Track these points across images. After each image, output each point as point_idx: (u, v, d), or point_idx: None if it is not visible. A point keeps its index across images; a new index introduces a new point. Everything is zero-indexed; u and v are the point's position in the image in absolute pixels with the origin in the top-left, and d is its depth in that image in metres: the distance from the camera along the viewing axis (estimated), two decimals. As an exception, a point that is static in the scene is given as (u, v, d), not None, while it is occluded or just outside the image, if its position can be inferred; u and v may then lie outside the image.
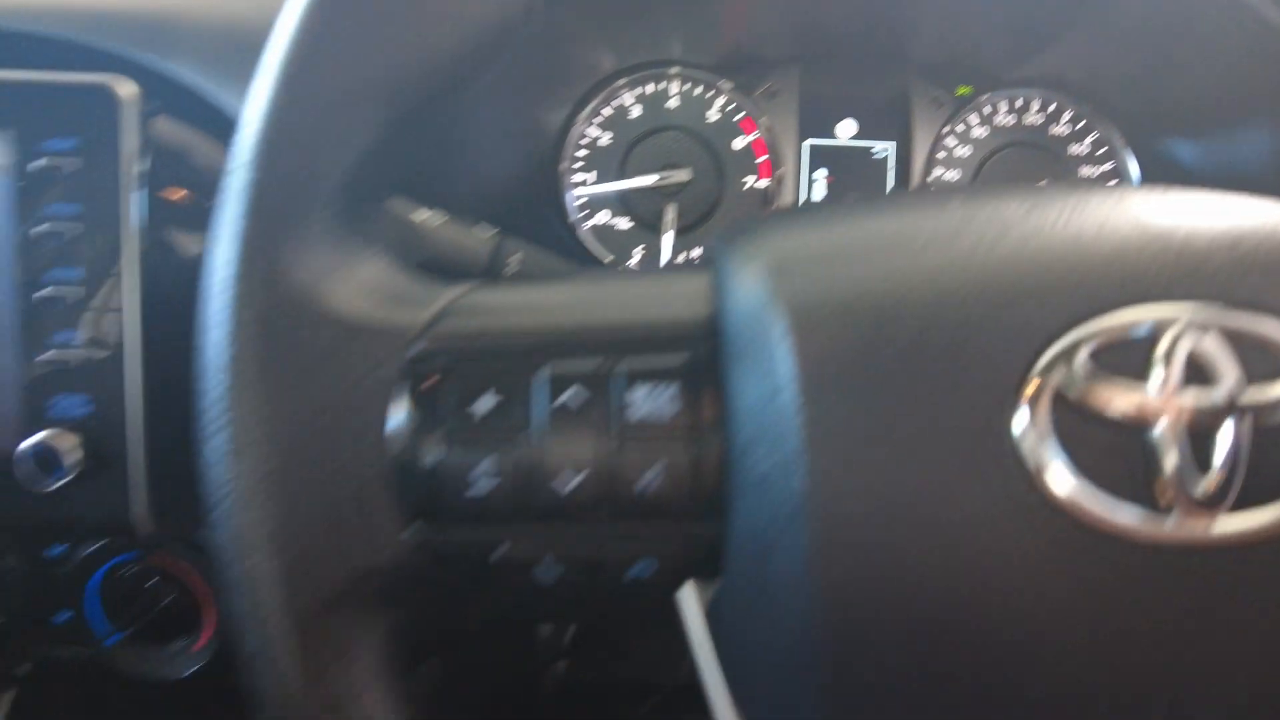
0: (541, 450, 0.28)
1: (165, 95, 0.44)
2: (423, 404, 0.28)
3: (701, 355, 0.29)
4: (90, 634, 0.58)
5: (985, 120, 0.65)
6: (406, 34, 0.28)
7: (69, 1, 0.46)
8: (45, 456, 0.42)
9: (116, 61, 0.44)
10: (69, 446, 0.42)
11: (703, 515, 0.28)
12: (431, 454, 0.28)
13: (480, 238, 0.41)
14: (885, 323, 0.25)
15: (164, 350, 0.44)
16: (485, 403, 0.29)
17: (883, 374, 0.25)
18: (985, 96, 0.65)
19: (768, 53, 0.67)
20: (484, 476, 0.29)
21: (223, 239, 0.27)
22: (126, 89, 0.42)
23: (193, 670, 0.57)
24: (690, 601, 0.30)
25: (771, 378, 0.25)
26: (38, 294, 0.43)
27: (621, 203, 0.67)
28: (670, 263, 0.67)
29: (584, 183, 0.67)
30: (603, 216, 0.68)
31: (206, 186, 0.43)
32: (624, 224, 0.67)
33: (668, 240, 0.65)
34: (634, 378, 0.29)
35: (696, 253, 0.67)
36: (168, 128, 0.43)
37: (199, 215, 0.43)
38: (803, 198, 0.68)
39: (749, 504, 0.26)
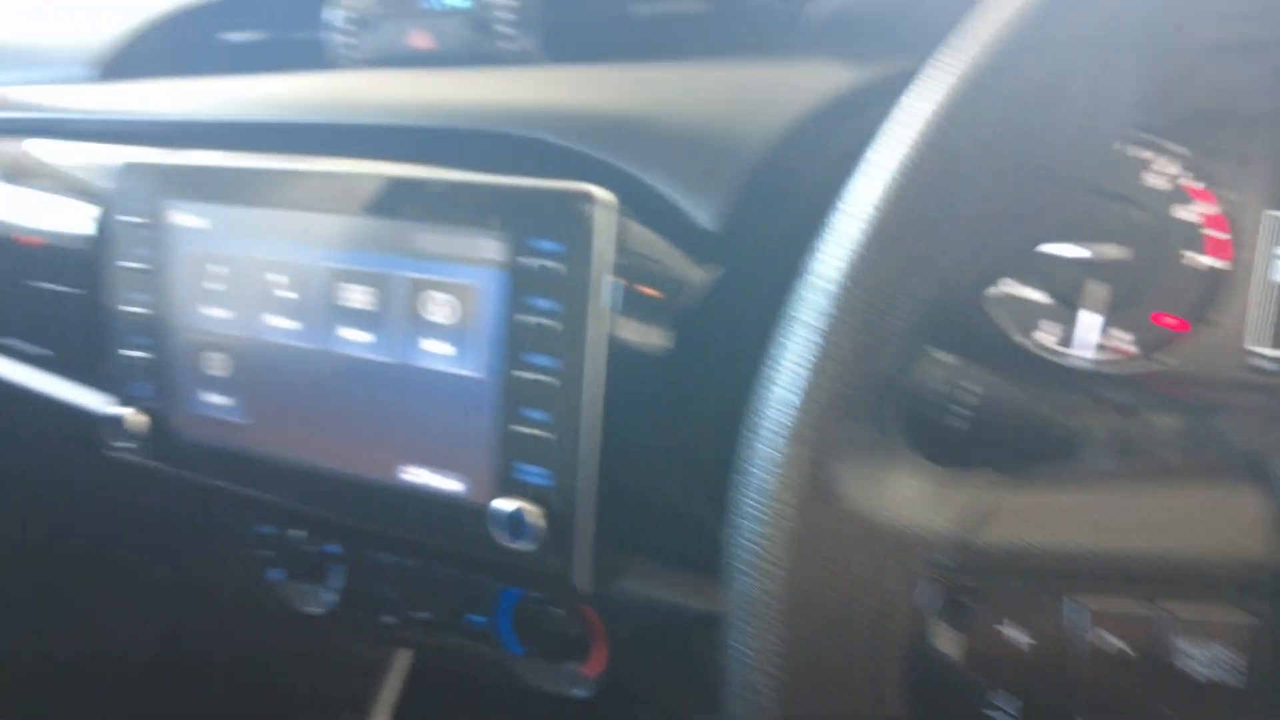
0: (1071, 690, 0.26)
1: (639, 199, 0.46)
2: (946, 614, 0.27)
3: (1267, 613, 0.25)
4: (496, 640, 0.66)
5: None
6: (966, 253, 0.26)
7: (552, 106, 0.50)
8: (517, 522, 0.48)
9: (592, 163, 0.48)
10: (536, 518, 0.47)
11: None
12: (950, 665, 0.27)
13: (944, 363, 0.39)
14: None
15: (617, 433, 0.48)
16: (1011, 629, 0.27)
17: None
18: None
19: (1238, 109, 0.58)
20: (1005, 699, 0.27)
21: (768, 429, 0.27)
22: (606, 197, 0.45)
23: (585, 693, 0.63)
24: None
25: None
26: (517, 373, 0.48)
27: (1035, 272, 0.61)
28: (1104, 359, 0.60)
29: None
30: (1011, 285, 0.62)
31: (670, 288, 0.46)
32: (1036, 296, 0.62)
33: (1091, 323, 0.59)
34: (1186, 629, 0.25)
35: (1123, 340, 0.60)
36: (638, 232, 0.46)
37: (662, 312, 0.46)
38: (1265, 283, 0.58)
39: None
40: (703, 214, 0.44)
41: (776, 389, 0.28)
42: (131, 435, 0.61)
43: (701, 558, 0.57)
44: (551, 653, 0.64)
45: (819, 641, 0.28)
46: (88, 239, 0.65)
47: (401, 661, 0.90)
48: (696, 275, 0.45)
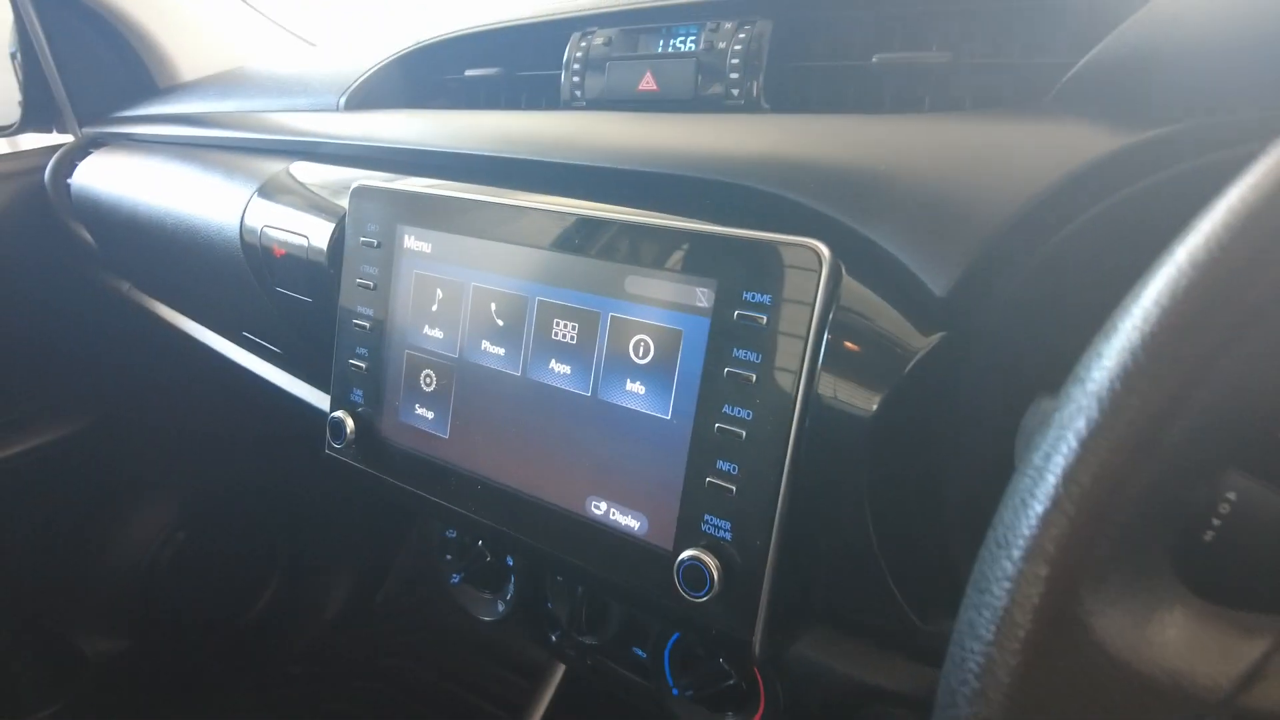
0: None
1: (861, 255, 0.45)
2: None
3: None
4: (656, 676, 0.66)
5: None
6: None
7: (775, 155, 0.50)
8: (697, 572, 0.47)
9: (810, 215, 0.47)
10: (716, 570, 0.47)
11: None
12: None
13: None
14: None
15: (808, 495, 0.46)
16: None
17: None
18: None
19: None
20: None
21: (1009, 539, 0.25)
22: (825, 252, 0.44)
23: (741, 750, 0.62)
24: None
25: None
26: (711, 421, 0.48)
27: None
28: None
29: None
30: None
31: (885, 354, 0.44)
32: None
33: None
34: None
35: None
36: (858, 290, 0.44)
37: (873, 378, 0.44)
38: None
39: None
40: (934, 278, 0.42)
41: (1022, 493, 0.26)
42: (344, 437, 0.66)
43: (879, 632, 0.54)
44: (711, 700, 0.63)
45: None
46: (323, 253, 0.72)
47: (557, 673, 0.92)
48: (916, 343, 0.43)
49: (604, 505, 0.53)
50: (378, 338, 0.66)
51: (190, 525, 1.52)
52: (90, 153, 1.16)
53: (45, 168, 1.22)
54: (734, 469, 0.47)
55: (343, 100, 0.84)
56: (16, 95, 1.29)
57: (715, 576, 0.47)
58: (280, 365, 0.95)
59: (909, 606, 0.50)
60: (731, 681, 0.61)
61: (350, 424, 0.66)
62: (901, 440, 0.45)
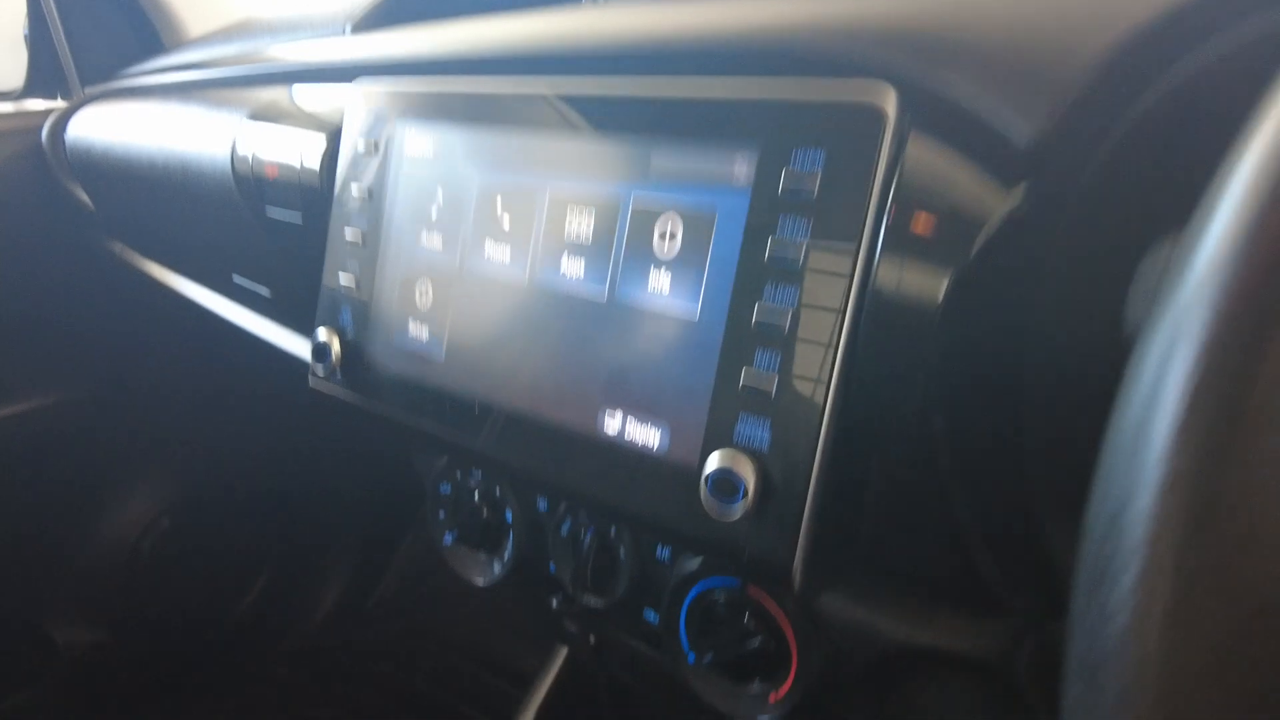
0: None
1: (924, 109, 0.38)
2: None
3: None
4: (671, 643, 0.58)
5: None
6: None
7: (824, 10, 0.44)
8: (728, 482, 0.40)
9: (864, 67, 0.40)
10: (751, 480, 0.40)
11: None
12: None
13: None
14: None
15: (860, 396, 0.39)
16: None
17: None
18: None
19: None
20: None
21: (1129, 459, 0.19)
22: (889, 100, 0.38)
23: (768, 721, 0.54)
24: None
25: None
26: (751, 315, 0.41)
27: None
28: None
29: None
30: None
31: (956, 216, 0.37)
32: None
33: None
34: None
35: None
36: (923, 146, 0.38)
37: (940, 245, 0.37)
38: None
39: None
40: (1018, 132, 0.35)
41: (1137, 397, 0.19)
42: (329, 361, 0.59)
43: (940, 577, 0.46)
44: (734, 667, 0.55)
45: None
46: (316, 169, 0.66)
47: (552, 665, 0.84)
48: (996, 209, 0.36)
49: (619, 419, 0.46)
50: (370, 251, 0.59)
51: (175, 512, 1.44)
52: (86, 105, 1.12)
53: (43, 127, 1.17)
54: (774, 366, 0.40)
55: (350, 26, 0.79)
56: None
57: (750, 488, 0.40)
58: (271, 315, 0.89)
59: (979, 540, 0.42)
60: (758, 643, 0.53)
61: (336, 346, 0.59)
62: (978, 326, 0.38)
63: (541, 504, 0.65)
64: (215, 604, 1.53)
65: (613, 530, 0.60)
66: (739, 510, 0.40)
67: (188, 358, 1.34)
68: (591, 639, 0.77)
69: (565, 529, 0.63)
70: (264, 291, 0.82)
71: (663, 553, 0.59)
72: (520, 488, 0.61)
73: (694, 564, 0.56)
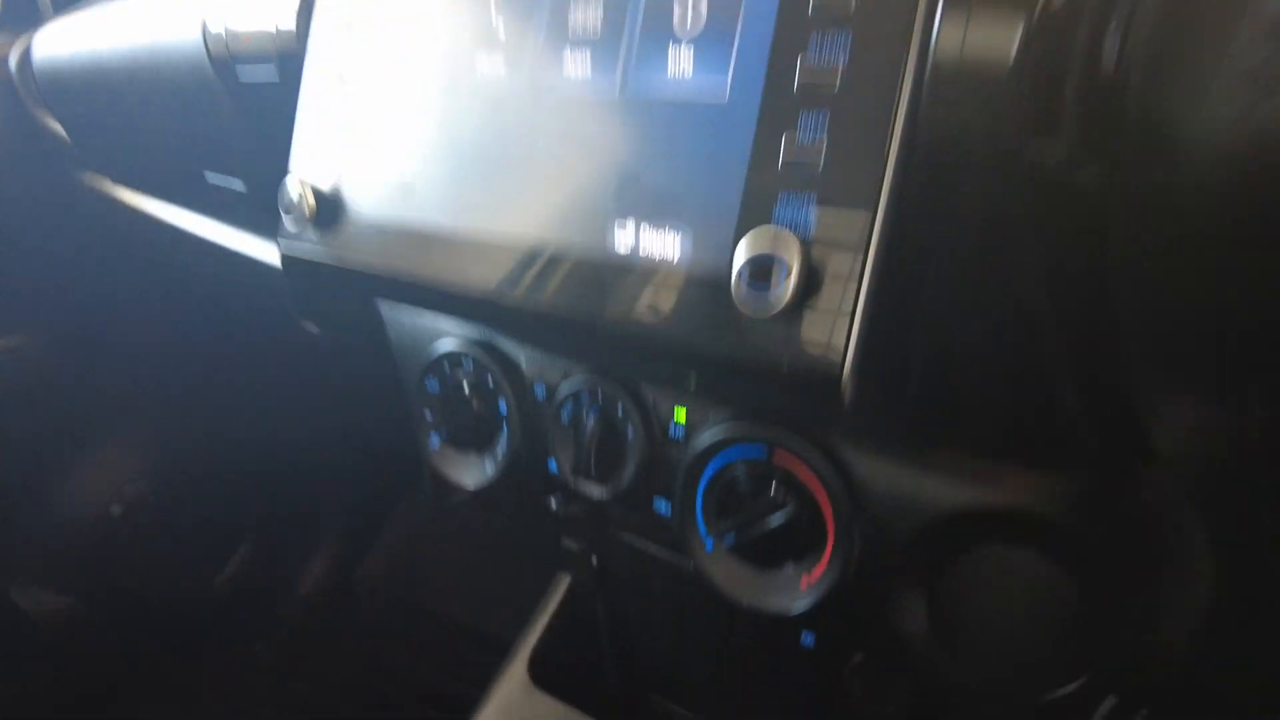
0: None
1: None
2: None
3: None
4: (691, 530, 0.51)
5: None
6: None
7: None
8: (765, 270, 0.33)
9: None
10: (793, 261, 0.33)
11: None
12: None
13: None
14: None
15: (925, 160, 0.33)
16: None
17: None
18: None
19: None
20: None
21: None
22: None
23: (801, 608, 0.47)
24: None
25: None
26: (788, 76, 0.35)
27: None
28: None
29: None
30: None
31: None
32: None
33: None
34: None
35: None
36: None
37: None
38: None
39: None
40: None
41: None
42: (300, 212, 0.52)
43: (1009, 428, 0.40)
44: (760, 548, 0.48)
45: None
46: (292, 22, 0.59)
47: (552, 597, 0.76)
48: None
49: (632, 231, 0.40)
50: (348, 87, 0.53)
51: (151, 475, 1.36)
52: (51, 22, 1.06)
53: (10, 57, 1.11)
54: (821, 129, 0.34)
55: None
56: None
57: (793, 269, 0.33)
58: (250, 227, 0.82)
59: (1061, 366, 0.36)
60: (787, 516, 0.46)
61: (309, 197, 0.52)
62: (1059, 80, 0.31)
63: (539, 390, 0.58)
64: (193, 575, 1.45)
65: (619, 409, 0.53)
66: (779, 299, 0.33)
67: (168, 305, 1.26)
68: (594, 560, 0.70)
69: (566, 414, 0.56)
70: (238, 185, 0.75)
71: (676, 430, 0.52)
72: (525, 332, 0.53)
73: (712, 433, 0.49)
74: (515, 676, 0.75)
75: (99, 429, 1.31)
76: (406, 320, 0.68)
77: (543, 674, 0.76)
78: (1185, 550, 0.41)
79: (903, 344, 0.35)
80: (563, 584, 0.76)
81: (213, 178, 0.78)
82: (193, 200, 0.90)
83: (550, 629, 0.77)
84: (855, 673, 0.55)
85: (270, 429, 1.47)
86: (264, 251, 0.82)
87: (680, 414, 0.52)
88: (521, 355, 0.59)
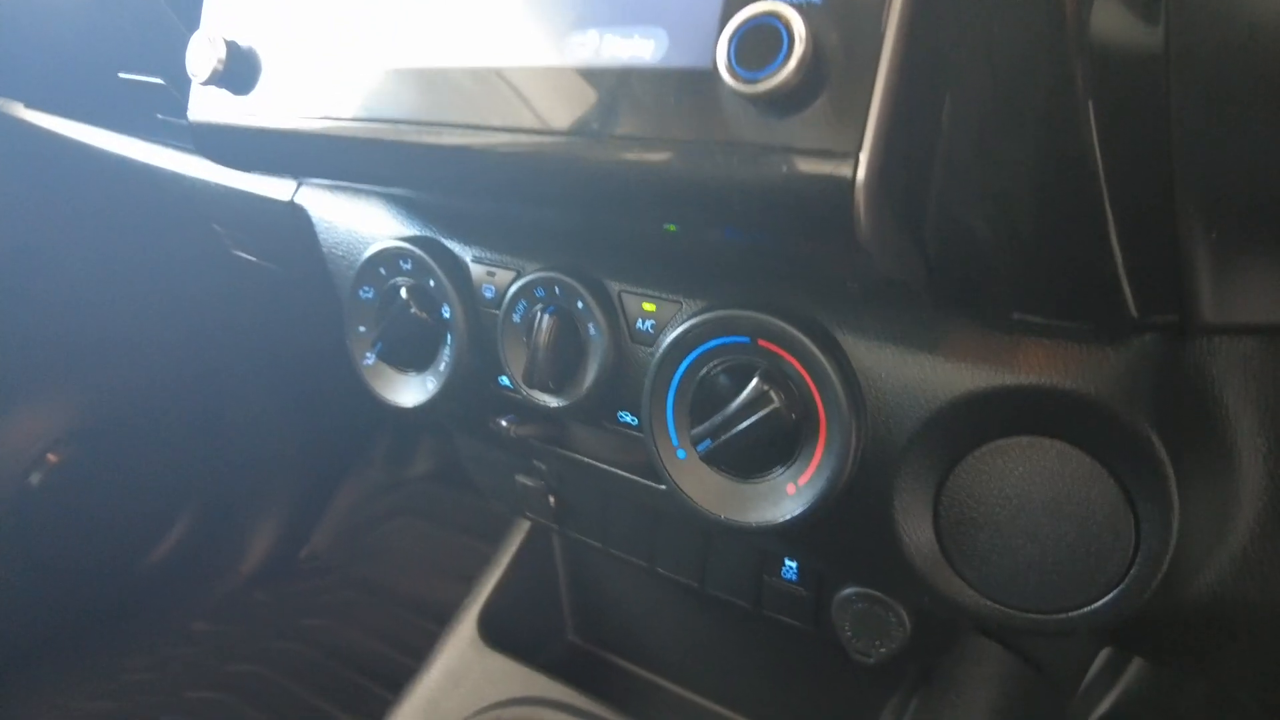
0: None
1: None
2: None
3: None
4: (662, 438, 0.44)
5: None
6: None
7: None
8: (766, 39, 0.26)
9: None
10: (798, 29, 0.26)
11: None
12: None
13: None
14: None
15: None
16: None
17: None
18: None
19: None
20: None
21: None
22: None
23: (786, 517, 0.40)
24: None
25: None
26: None
27: None
28: None
29: None
30: None
31: None
32: None
33: None
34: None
35: None
36: None
37: None
38: None
39: None
40: None
41: None
42: (211, 67, 0.44)
43: (1039, 286, 0.34)
44: (740, 457, 0.41)
45: None
46: None
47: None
48: None
49: (595, 36, 0.33)
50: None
51: (76, 439, 1.25)
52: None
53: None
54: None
55: None
56: None
57: (797, 38, 0.26)
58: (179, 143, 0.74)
59: (1112, 209, 0.30)
60: (771, 410, 0.39)
61: (219, 48, 0.44)
62: None
63: (488, 292, 0.51)
64: (124, 549, 1.35)
65: (579, 304, 0.46)
66: (777, 81, 0.26)
67: (93, 248, 1.16)
68: (551, 500, 0.62)
69: (519, 314, 0.49)
70: (158, 80, 0.67)
71: (644, 326, 0.45)
72: (474, 190, 0.45)
73: (687, 325, 0.42)
74: (464, 635, 0.68)
75: (15, 388, 1.20)
76: (341, 225, 0.60)
77: (494, 632, 0.69)
78: (1231, 437, 0.35)
79: (924, 162, 0.29)
80: (518, 535, 0.68)
81: (128, 76, 0.70)
82: (109, 119, 0.82)
83: (504, 584, 0.70)
84: (843, 609, 0.48)
85: (213, 391, 1.37)
86: (186, 165, 0.74)
87: (649, 307, 0.45)
88: (468, 252, 0.52)
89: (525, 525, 0.69)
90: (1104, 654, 0.98)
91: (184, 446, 1.36)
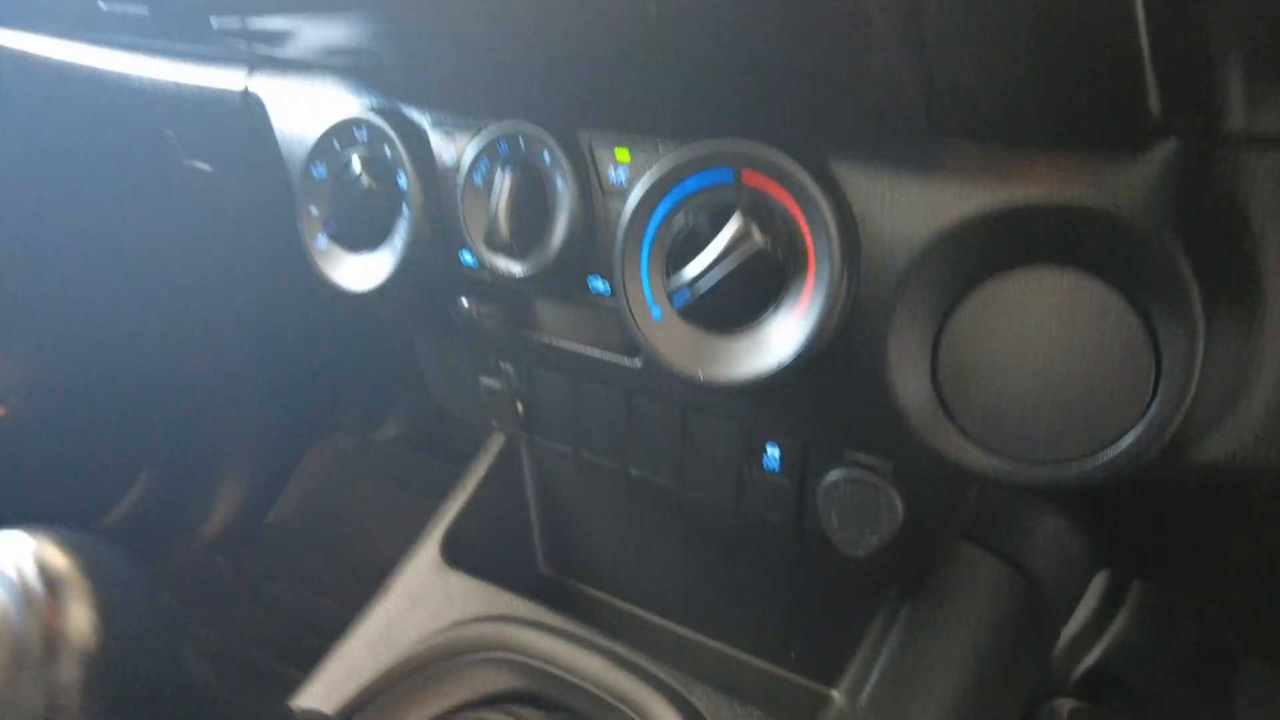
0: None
1: None
2: None
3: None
4: (637, 296, 0.41)
5: None
6: None
7: None
8: None
9: None
10: None
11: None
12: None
13: None
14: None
15: None
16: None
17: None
18: None
19: None
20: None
21: None
22: None
23: (768, 368, 0.36)
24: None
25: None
26: None
27: None
28: None
29: None
30: None
31: None
32: None
33: None
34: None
35: None
36: None
37: None
38: None
39: None
40: None
41: None
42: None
43: (1064, 93, 0.30)
44: (722, 304, 0.37)
45: None
46: None
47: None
48: None
49: None
50: None
51: (19, 396, 1.18)
52: None
53: None
54: None
55: None
56: None
57: None
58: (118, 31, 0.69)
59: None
60: (752, 250, 0.35)
61: None
62: None
63: (447, 157, 0.47)
64: (80, 510, 1.29)
65: (545, 156, 0.42)
66: None
67: (38, 184, 1.09)
68: (519, 406, 0.58)
69: (480, 176, 0.45)
70: (141, 10, 0.62)
71: (617, 174, 0.41)
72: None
73: (666, 162, 0.38)
74: (426, 557, 0.64)
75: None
76: (295, 108, 0.56)
77: (459, 556, 0.65)
78: (1257, 260, 0.32)
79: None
80: (486, 458, 0.64)
81: (109, 5, 0.65)
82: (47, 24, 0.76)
83: (470, 507, 0.65)
84: (829, 497, 0.45)
85: (174, 344, 1.31)
86: (135, 65, 0.69)
87: (623, 154, 0.41)
88: (426, 117, 0.48)
89: (493, 449, 0.65)
90: (1089, 609, 0.95)
91: (143, 401, 1.30)
